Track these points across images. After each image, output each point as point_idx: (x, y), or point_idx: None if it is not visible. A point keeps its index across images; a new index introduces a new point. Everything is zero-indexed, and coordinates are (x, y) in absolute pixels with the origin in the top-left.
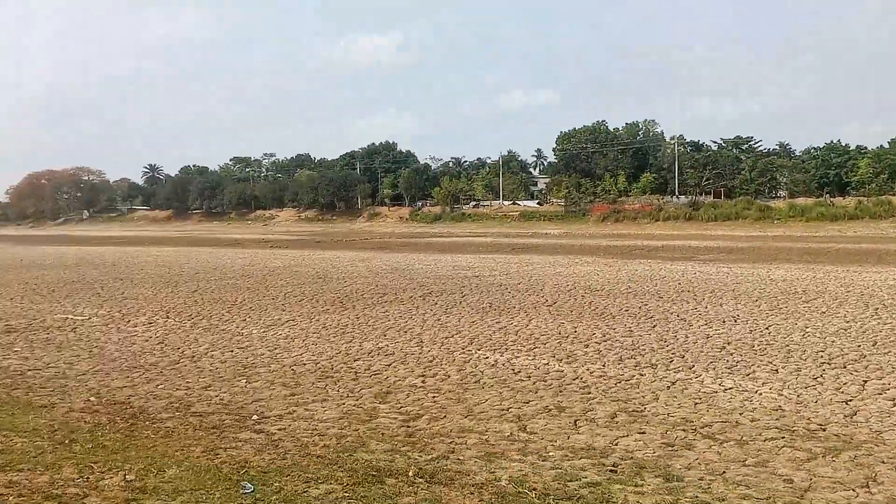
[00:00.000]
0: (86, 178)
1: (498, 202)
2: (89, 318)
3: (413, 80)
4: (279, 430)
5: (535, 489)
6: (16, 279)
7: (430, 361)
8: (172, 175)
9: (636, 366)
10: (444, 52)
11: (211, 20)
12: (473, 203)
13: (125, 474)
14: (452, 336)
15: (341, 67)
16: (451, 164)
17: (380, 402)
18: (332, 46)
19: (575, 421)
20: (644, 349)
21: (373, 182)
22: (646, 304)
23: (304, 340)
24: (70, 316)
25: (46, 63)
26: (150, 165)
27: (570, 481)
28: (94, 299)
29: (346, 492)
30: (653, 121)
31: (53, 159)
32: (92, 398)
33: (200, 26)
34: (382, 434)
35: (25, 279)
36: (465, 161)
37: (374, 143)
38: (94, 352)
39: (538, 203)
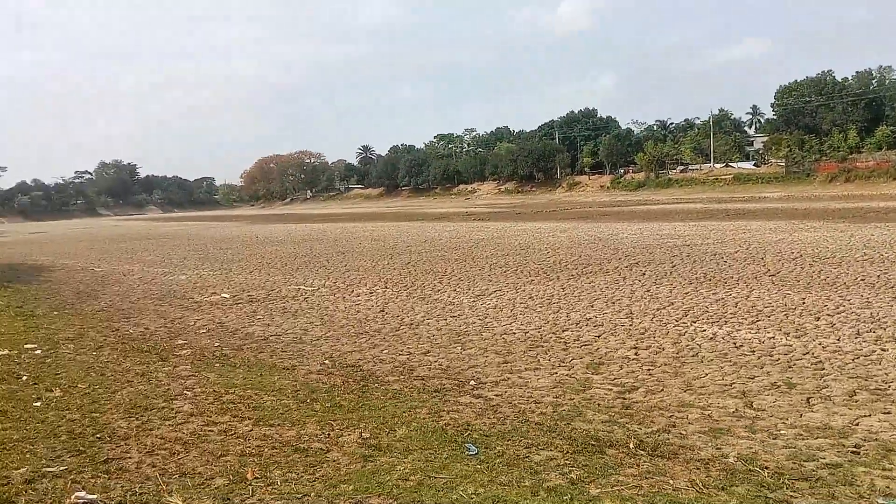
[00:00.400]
0: (308, 160)
1: (708, 165)
2: (318, 289)
3: (612, 43)
4: (496, 395)
5: (766, 468)
6: (253, 254)
7: (642, 333)
8: (383, 155)
9: (877, 340)
10: (643, 9)
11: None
12: (681, 167)
13: (361, 432)
14: (664, 308)
15: (537, 37)
16: (655, 127)
17: (592, 373)
18: (527, 16)
19: (808, 398)
20: (886, 322)
21: (572, 151)
22: (886, 273)
23: (511, 310)
24: (301, 287)
25: (269, 55)
26: (364, 146)
27: (806, 461)
28: (321, 271)
29: (566, 459)
30: (889, 67)
31: (278, 145)
32: (326, 361)
33: (404, 6)
34: (598, 405)
35: (261, 254)
36: (671, 123)
37: (572, 111)
38: (325, 319)
39: (755, 164)
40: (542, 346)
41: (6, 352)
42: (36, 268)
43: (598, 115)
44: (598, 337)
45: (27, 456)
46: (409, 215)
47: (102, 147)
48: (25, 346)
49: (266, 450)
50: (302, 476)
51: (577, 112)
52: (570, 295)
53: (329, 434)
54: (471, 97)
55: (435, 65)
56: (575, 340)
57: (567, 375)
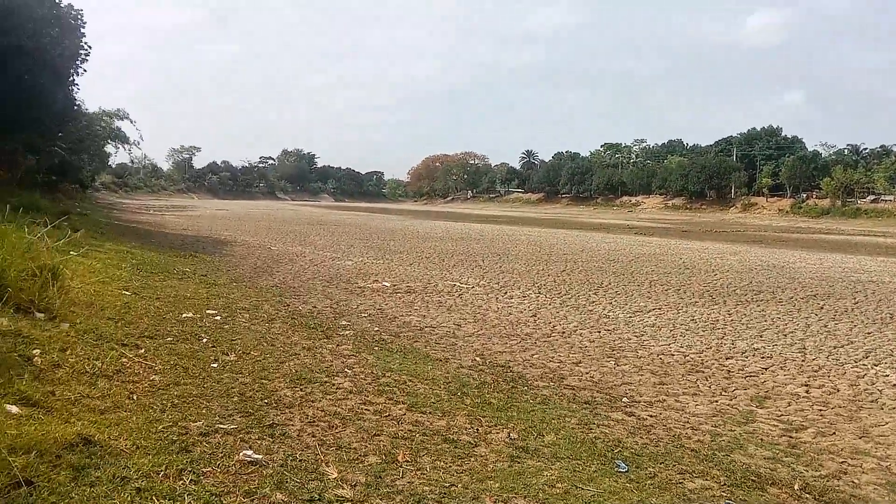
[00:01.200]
0: (472, 161)
1: None
2: (472, 287)
3: (804, 60)
4: (650, 415)
5: None
6: (414, 248)
7: (815, 371)
8: (546, 160)
9: None
10: (842, 27)
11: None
12: (872, 197)
13: (509, 432)
14: (842, 346)
15: (721, 50)
16: (846, 151)
17: (757, 406)
18: (712, 28)
19: None
20: None
21: (750, 170)
22: None
23: (671, 331)
24: (457, 283)
25: (441, 58)
26: (527, 151)
27: None
28: (476, 270)
29: (722, 491)
30: None
31: (443, 144)
32: (477, 358)
33: (581, 14)
34: (761, 440)
35: (421, 248)
36: (865, 149)
37: (753, 128)
38: (478, 317)
39: None
40: (703, 372)
41: (191, 314)
42: (220, 241)
43: (782, 135)
44: (766, 369)
45: (203, 412)
46: (568, 223)
47: (286, 135)
48: (207, 311)
49: (417, 435)
50: (450, 466)
51: (758, 129)
52: (737, 322)
53: (478, 429)
54: (643, 107)
55: (607, 73)
56: (739, 370)
57: (728, 405)
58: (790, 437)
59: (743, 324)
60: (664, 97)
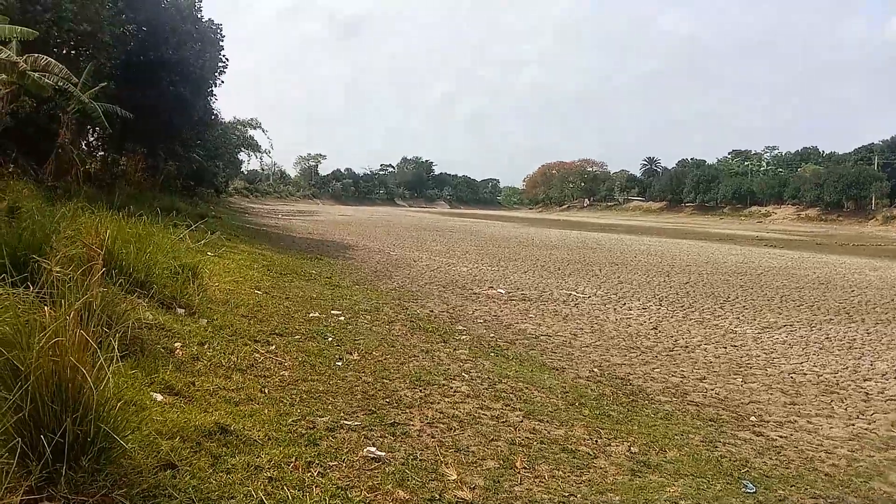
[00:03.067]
0: (589, 169)
1: None
2: (589, 297)
3: None
4: (780, 436)
5: None
6: (529, 255)
7: None
8: (669, 168)
9: None
10: None
11: (725, 13)
12: None
13: (629, 446)
14: None
15: (863, 53)
16: None
17: None
18: (848, 26)
19: None
20: None
21: (893, 180)
22: None
23: (803, 349)
24: (573, 292)
25: (563, 65)
26: (649, 158)
27: None
28: (593, 280)
29: None
30: None
31: (562, 152)
32: (595, 369)
33: (704, 21)
34: None
35: (536, 256)
36: None
37: None
38: (595, 328)
39: None
40: (838, 393)
41: (317, 314)
42: (343, 246)
43: None
44: None
45: (329, 408)
46: (691, 233)
47: (406, 145)
48: (332, 311)
49: (535, 443)
50: (569, 475)
51: None
52: (877, 341)
53: (597, 441)
54: (775, 114)
55: (734, 79)
56: (879, 392)
57: (867, 429)
58: None
59: (883, 344)
60: (798, 103)
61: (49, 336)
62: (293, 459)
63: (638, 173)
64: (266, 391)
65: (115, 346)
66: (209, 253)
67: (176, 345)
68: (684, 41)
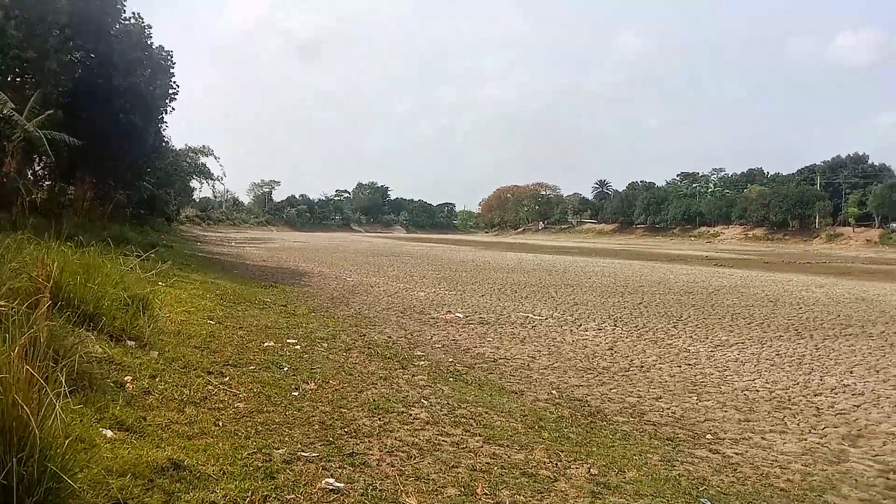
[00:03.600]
0: (543, 192)
1: None
2: (545, 319)
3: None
4: (735, 453)
5: None
6: (486, 279)
7: None
8: (620, 190)
9: None
10: None
11: (678, 33)
12: None
13: (589, 467)
14: None
15: (803, 72)
16: None
17: (849, 445)
18: (794, 48)
19: None
20: None
21: (835, 199)
22: None
23: (755, 365)
24: (530, 315)
25: (516, 85)
26: (600, 181)
27: None
28: (549, 302)
29: None
30: None
31: (514, 175)
32: (553, 391)
33: (648, 37)
34: (856, 481)
35: (493, 279)
36: None
37: (838, 156)
38: (552, 350)
39: None
40: (790, 409)
41: (272, 343)
42: (298, 273)
43: (870, 162)
44: (858, 406)
45: (285, 439)
46: (643, 254)
47: (362, 169)
48: (287, 340)
49: (495, 468)
50: (529, 500)
51: (844, 157)
52: (825, 357)
53: (557, 463)
54: (720, 135)
55: (683, 98)
56: (829, 407)
57: (819, 444)
58: (887, 478)
59: (831, 359)
60: (743, 124)
61: None
62: (249, 494)
63: (590, 196)
64: (220, 424)
65: (63, 382)
66: (160, 283)
67: (126, 378)
68: (635, 59)
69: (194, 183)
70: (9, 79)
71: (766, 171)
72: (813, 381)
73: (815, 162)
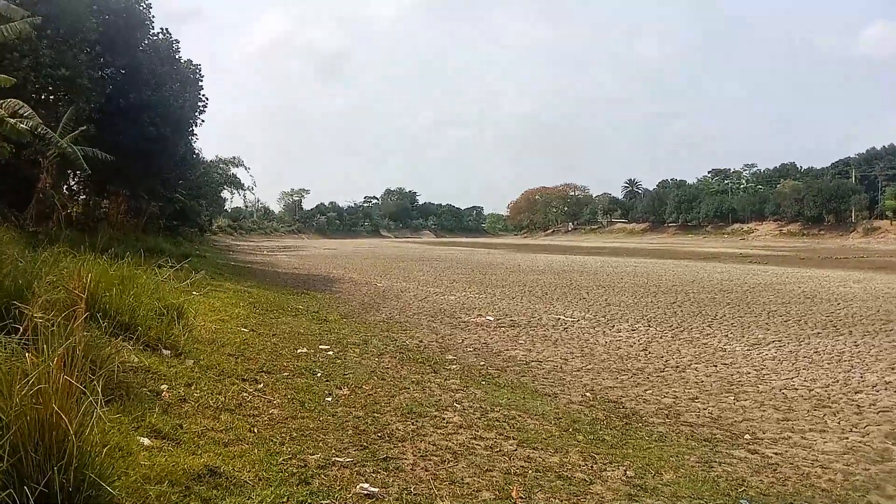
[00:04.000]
0: (572, 193)
1: None
2: (577, 321)
3: None
4: (774, 453)
5: None
6: (516, 281)
7: None
8: (651, 189)
9: None
10: None
11: (702, 36)
12: None
13: (625, 470)
14: None
15: (834, 65)
16: None
17: (893, 444)
18: (821, 41)
19: None
20: None
21: (871, 192)
22: None
23: (793, 364)
24: (561, 317)
25: (543, 91)
26: (630, 181)
27: None
28: (581, 303)
29: None
30: None
31: (544, 177)
32: (588, 393)
33: (687, 43)
34: None
35: (523, 281)
36: None
37: (873, 148)
38: (585, 351)
39: None
40: (830, 407)
41: (305, 350)
42: (329, 279)
43: None
44: None
45: (320, 445)
46: (675, 253)
47: (390, 177)
48: (320, 346)
49: (530, 472)
50: (565, 503)
51: (879, 149)
52: (866, 353)
53: (592, 466)
54: (752, 131)
55: (711, 98)
56: (871, 405)
57: (861, 443)
58: None
59: (872, 355)
60: (774, 120)
61: (32, 383)
62: (285, 499)
63: (620, 196)
64: (255, 430)
65: (101, 391)
66: (194, 292)
67: (162, 387)
68: (658, 64)
69: (225, 193)
70: (42, 97)
71: (798, 166)
72: (853, 378)
73: (849, 155)
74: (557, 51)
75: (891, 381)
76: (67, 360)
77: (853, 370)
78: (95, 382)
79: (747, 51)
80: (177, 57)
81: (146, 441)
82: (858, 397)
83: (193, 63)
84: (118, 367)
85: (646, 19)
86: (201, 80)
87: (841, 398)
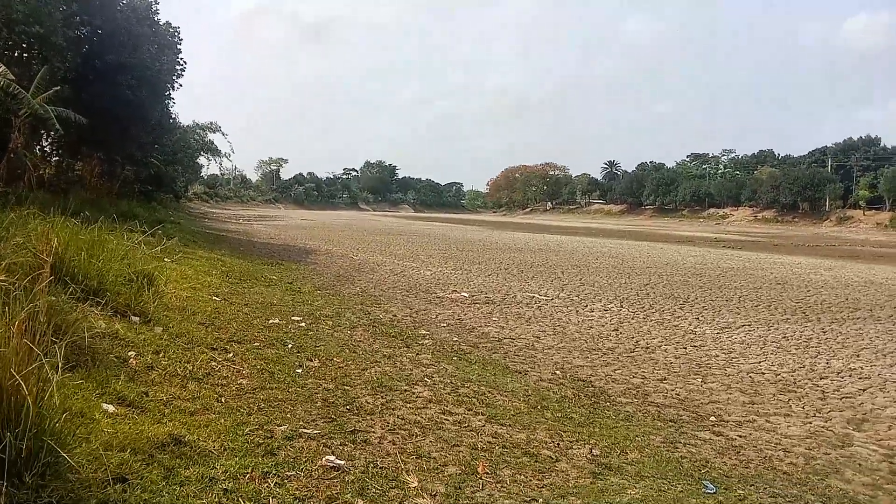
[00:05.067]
0: (552, 172)
1: None
2: (551, 299)
3: None
4: (739, 436)
5: None
6: (492, 258)
7: None
8: (629, 171)
9: None
10: None
11: (689, 17)
12: None
13: (591, 448)
14: None
15: (814, 55)
16: None
17: (854, 429)
18: (804, 30)
19: None
20: None
21: (846, 182)
22: None
23: (761, 348)
24: (536, 295)
25: (526, 68)
26: (609, 162)
27: None
28: (556, 282)
29: None
30: None
31: (523, 156)
32: (557, 371)
33: (668, 22)
34: (860, 465)
35: (500, 259)
36: None
37: (850, 138)
38: (557, 330)
39: None
40: (795, 392)
41: (277, 321)
42: (305, 250)
43: (882, 145)
44: (864, 390)
45: (288, 416)
46: (651, 235)
47: (370, 148)
48: (292, 317)
49: (497, 448)
50: (531, 480)
51: (855, 139)
52: (832, 340)
53: (559, 444)
54: (732, 117)
55: (694, 82)
56: (835, 391)
57: (823, 427)
58: (891, 462)
59: (838, 342)
60: (754, 106)
61: None
62: (249, 470)
63: (599, 176)
64: (223, 400)
65: (64, 356)
66: (166, 259)
67: (130, 354)
68: (644, 45)
69: (202, 160)
70: (15, 54)
71: (776, 153)
72: (819, 364)
73: (826, 144)
74: (546, 29)
75: (855, 368)
76: (29, 325)
77: (819, 356)
78: (59, 347)
79: (738, 37)
80: (155, 18)
81: (110, 408)
82: (823, 383)
83: (172, 26)
84: (84, 332)
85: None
86: (180, 44)
87: (806, 383)
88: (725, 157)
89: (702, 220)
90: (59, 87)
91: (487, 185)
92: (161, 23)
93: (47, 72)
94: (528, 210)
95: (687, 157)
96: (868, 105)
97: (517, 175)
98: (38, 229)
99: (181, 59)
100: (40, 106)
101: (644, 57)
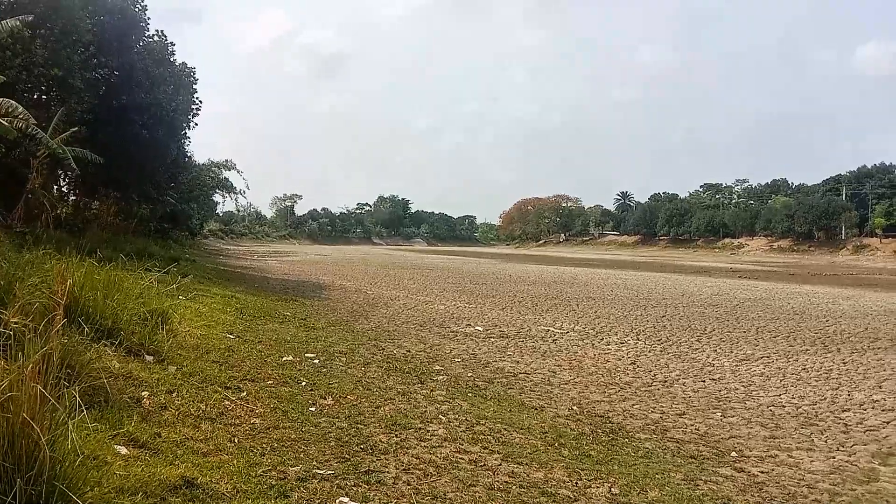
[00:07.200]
0: (564, 204)
1: None
2: (567, 332)
3: None
4: (761, 472)
5: None
6: (506, 291)
7: None
8: (642, 202)
9: None
10: None
11: (701, 47)
12: None
13: (610, 487)
14: None
15: (828, 84)
16: None
17: (880, 464)
18: (818, 61)
19: None
20: None
21: (861, 210)
22: None
23: (781, 380)
24: (550, 328)
25: (537, 99)
26: (622, 193)
27: None
28: (571, 315)
29: None
30: None
31: (536, 187)
32: (574, 407)
33: (680, 52)
34: (887, 501)
35: (513, 292)
36: None
37: (864, 166)
38: (573, 364)
39: None
40: (818, 425)
41: (290, 358)
42: (319, 286)
43: None
44: (888, 423)
45: (301, 456)
46: (666, 266)
47: (380, 182)
48: (306, 354)
49: (514, 487)
50: None
51: (870, 167)
52: (853, 371)
53: (577, 482)
54: (745, 147)
55: (706, 111)
56: (858, 423)
57: (847, 462)
58: None
59: (860, 373)
60: (769, 136)
61: (3, 390)
62: None
63: (612, 208)
64: (236, 440)
65: (78, 398)
66: (181, 297)
67: (143, 394)
68: (657, 75)
69: (217, 197)
70: (34, 96)
71: (790, 182)
72: (841, 396)
73: (840, 172)
74: (558, 57)
75: (878, 400)
76: (42, 367)
77: (841, 388)
78: (73, 389)
79: (749, 64)
80: (171, 59)
81: (123, 450)
82: (846, 416)
83: (188, 66)
84: (98, 373)
85: (647, 28)
86: (195, 83)
87: (828, 416)
88: (739, 187)
89: (717, 250)
90: (76, 129)
91: (500, 217)
92: (177, 63)
93: (65, 112)
94: (541, 242)
95: (700, 187)
96: (884, 131)
97: (530, 207)
98: (54, 269)
99: (196, 98)
100: (58, 146)
101: (657, 87)
